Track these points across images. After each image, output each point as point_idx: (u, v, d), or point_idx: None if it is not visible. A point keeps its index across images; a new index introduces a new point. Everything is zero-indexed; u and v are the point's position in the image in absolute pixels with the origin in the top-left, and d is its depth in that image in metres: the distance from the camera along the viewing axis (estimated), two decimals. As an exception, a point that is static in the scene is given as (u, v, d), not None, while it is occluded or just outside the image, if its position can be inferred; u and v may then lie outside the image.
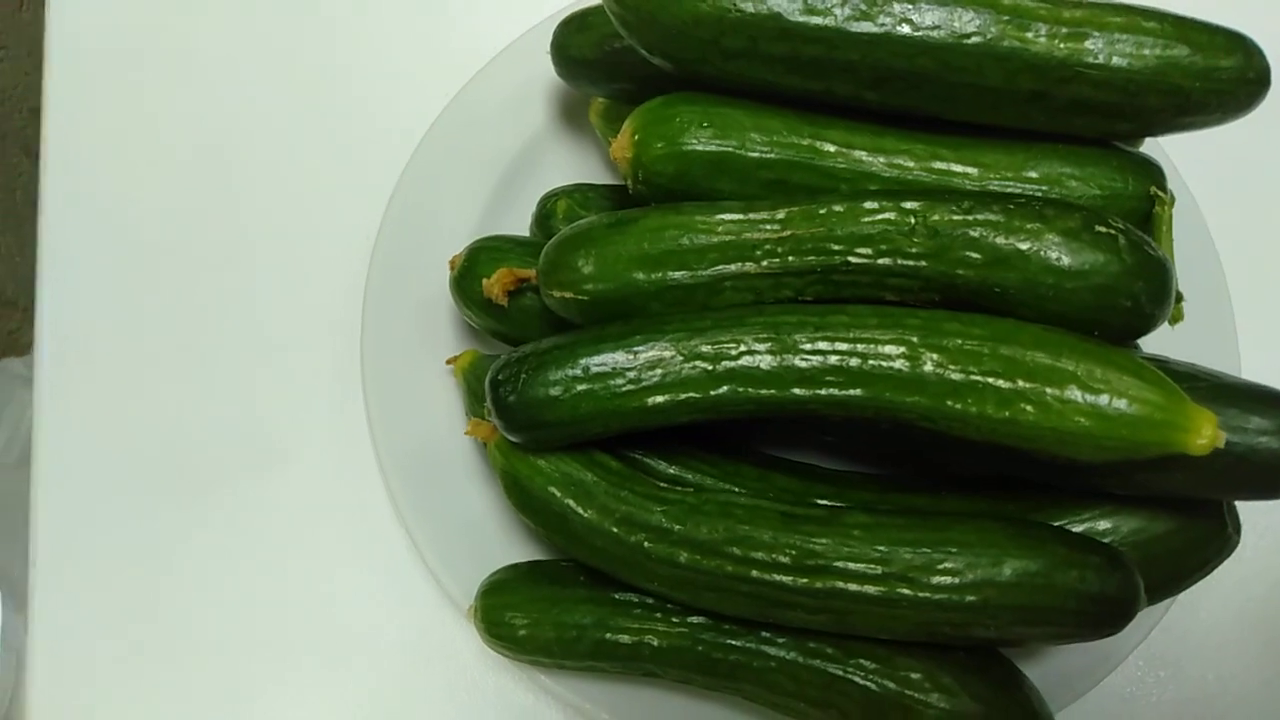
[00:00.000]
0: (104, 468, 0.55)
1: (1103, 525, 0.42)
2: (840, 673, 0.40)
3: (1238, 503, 0.43)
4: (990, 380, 0.37)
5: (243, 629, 0.53)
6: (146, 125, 0.61)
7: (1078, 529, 0.42)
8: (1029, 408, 0.37)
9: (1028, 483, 0.44)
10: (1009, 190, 0.43)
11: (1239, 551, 0.54)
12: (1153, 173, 0.44)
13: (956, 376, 0.38)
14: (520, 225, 0.54)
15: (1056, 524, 0.42)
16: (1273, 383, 0.41)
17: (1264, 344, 0.52)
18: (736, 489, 0.45)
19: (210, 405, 0.56)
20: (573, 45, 0.51)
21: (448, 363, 0.51)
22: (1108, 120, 0.43)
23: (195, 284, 0.58)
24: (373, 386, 0.51)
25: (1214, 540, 0.43)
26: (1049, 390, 0.36)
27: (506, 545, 0.49)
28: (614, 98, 0.52)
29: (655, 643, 0.42)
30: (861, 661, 0.40)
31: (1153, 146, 0.51)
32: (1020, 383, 0.37)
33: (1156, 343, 0.48)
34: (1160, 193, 0.43)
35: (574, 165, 0.57)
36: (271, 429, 0.56)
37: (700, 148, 0.43)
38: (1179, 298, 0.42)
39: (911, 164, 0.43)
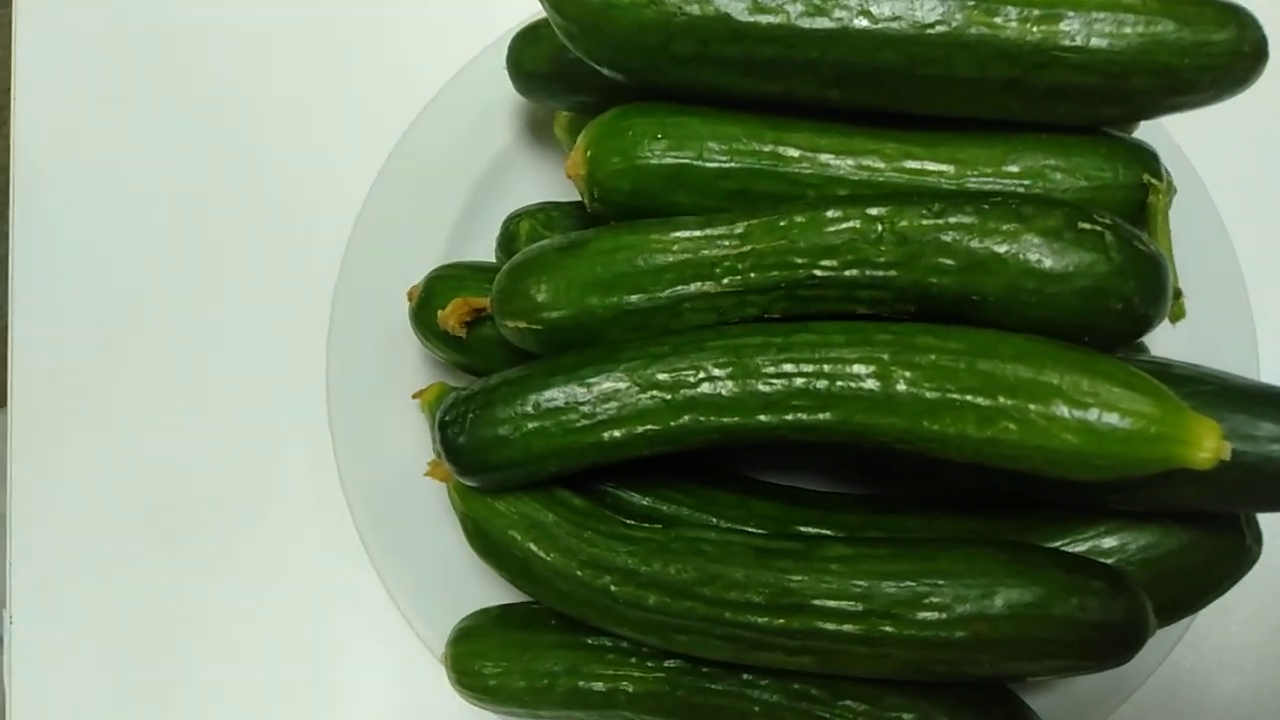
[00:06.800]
0: (80, 520, 0.54)
1: (1108, 543, 0.39)
2: (827, 715, 0.38)
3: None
4: (968, 398, 0.34)
5: (224, 678, 0.52)
6: (111, 177, 0.60)
7: (1081, 548, 0.39)
8: (1012, 426, 0.34)
9: (1027, 499, 0.41)
10: (987, 188, 0.40)
11: (1273, 559, 0.50)
12: (1146, 159, 0.40)
13: (932, 395, 0.35)
14: (493, 248, 0.52)
15: (1058, 543, 0.39)
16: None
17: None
18: (713, 519, 0.42)
19: (186, 452, 0.55)
20: (527, 59, 0.49)
21: (414, 397, 0.49)
22: (1092, 105, 0.39)
23: (165, 329, 0.57)
24: (339, 424, 0.49)
25: (1232, 554, 0.39)
26: (1032, 406, 0.33)
27: (482, 585, 0.47)
28: (575, 110, 0.50)
29: (631, 689, 0.40)
30: (849, 703, 0.38)
31: (1153, 129, 0.48)
32: (1001, 399, 0.34)
33: (1163, 342, 0.44)
34: (1154, 180, 0.40)
35: (546, 181, 0.55)
36: (248, 473, 0.54)
37: (655, 161, 0.41)
38: (1178, 294, 0.38)
39: (882, 165, 0.41)
